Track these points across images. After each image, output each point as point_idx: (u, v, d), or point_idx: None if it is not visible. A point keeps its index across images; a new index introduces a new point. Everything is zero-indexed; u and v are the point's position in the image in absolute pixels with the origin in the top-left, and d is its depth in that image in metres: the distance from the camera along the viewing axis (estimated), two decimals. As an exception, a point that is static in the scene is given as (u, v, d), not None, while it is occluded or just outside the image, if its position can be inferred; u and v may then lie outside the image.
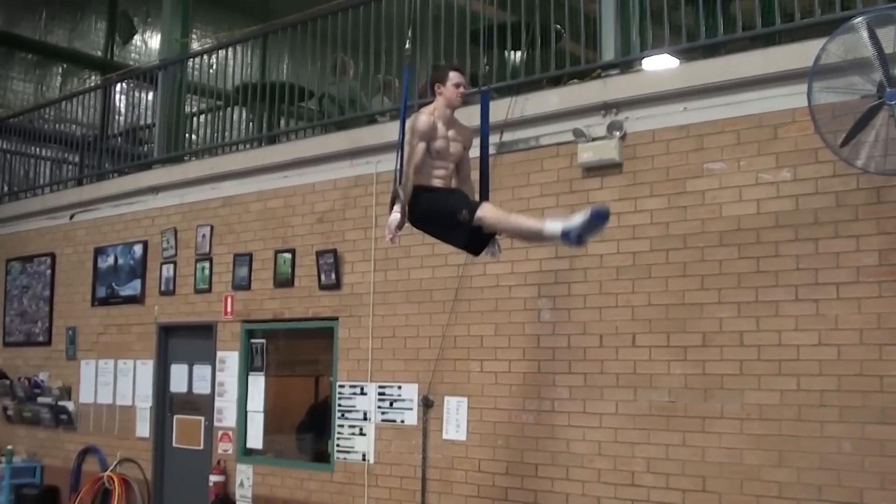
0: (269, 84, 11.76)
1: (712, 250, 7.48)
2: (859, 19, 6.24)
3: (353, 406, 9.73)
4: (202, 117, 13.50)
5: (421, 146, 6.96)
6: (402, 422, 9.34)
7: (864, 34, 6.16)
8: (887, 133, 6.12)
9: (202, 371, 11.44)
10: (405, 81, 7.40)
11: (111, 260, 12.68)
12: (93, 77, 18.41)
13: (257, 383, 10.82)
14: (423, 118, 6.98)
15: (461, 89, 7.16)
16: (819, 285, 6.94)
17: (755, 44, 7.93)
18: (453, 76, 7.12)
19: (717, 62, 7.78)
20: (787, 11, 7.63)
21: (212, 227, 11.40)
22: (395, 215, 6.91)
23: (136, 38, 18.87)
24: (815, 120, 6.40)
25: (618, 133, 8.03)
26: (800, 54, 6.93)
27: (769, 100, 7.30)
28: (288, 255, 10.48)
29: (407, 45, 7.29)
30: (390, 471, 9.35)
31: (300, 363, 10.85)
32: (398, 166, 7.05)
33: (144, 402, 12.04)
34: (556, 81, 8.97)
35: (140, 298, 12.23)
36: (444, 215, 6.95)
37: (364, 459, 9.55)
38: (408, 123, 7.01)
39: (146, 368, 12.07)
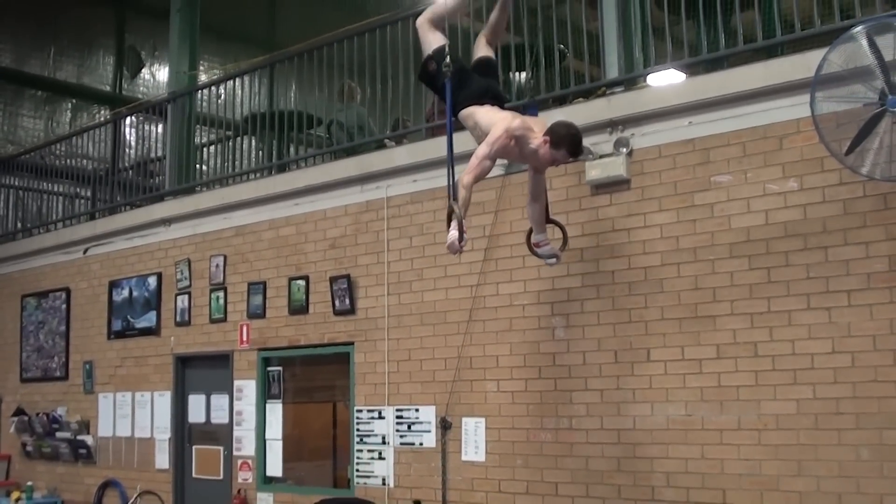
0: (277, 113, 11.83)
1: (723, 262, 7.51)
2: (859, 28, 6.28)
3: (372, 430, 9.76)
4: (212, 148, 13.62)
5: (489, 164, 6.93)
6: (421, 444, 9.36)
7: (864, 43, 6.20)
8: (891, 140, 6.15)
9: (220, 401, 11.47)
10: (448, 97, 7.28)
11: (126, 293, 12.75)
12: (102, 112, 18.54)
13: (275, 411, 10.84)
14: (503, 139, 6.85)
15: (556, 164, 7.13)
16: (830, 293, 6.96)
17: (757, 56, 7.98)
18: (564, 155, 6.96)
19: (720, 76, 7.83)
20: (787, 22, 7.68)
21: (225, 257, 11.46)
22: (454, 233, 6.74)
23: (144, 72, 19.01)
24: (819, 129, 6.43)
25: (624, 149, 8.08)
26: (802, 65, 6.99)
27: (773, 111, 7.35)
28: (302, 282, 10.53)
29: (447, 60, 7.23)
30: (410, 494, 9.36)
31: (317, 389, 10.87)
32: (451, 181, 6.99)
33: (163, 434, 12.07)
34: (562, 100, 9.03)
35: (156, 330, 12.28)
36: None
37: (384, 483, 9.57)
38: (501, 125, 6.90)
39: (164, 400, 12.11)
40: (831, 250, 7.00)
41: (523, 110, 7.61)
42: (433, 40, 7.43)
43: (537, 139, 6.92)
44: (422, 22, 7.53)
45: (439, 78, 7.27)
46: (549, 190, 8.46)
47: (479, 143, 7.02)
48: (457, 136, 7.31)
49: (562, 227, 7.77)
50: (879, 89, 6.17)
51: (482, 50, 7.66)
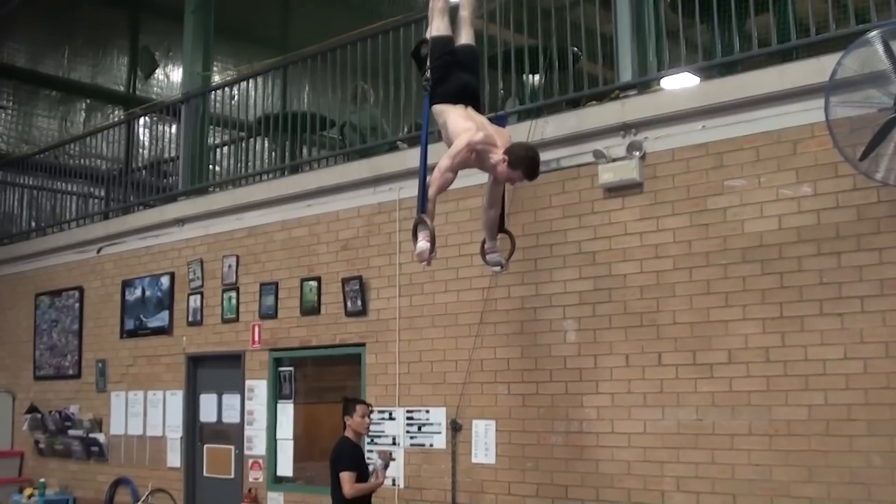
0: (290, 114, 11.85)
1: (735, 267, 7.49)
2: (874, 33, 6.27)
3: (382, 431, 9.76)
4: (225, 149, 13.64)
5: (451, 176, 7.01)
6: (431, 446, 9.36)
7: (880, 48, 6.20)
8: (906, 145, 6.14)
9: (231, 400, 11.50)
10: (425, 111, 7.41)
11: (139, 292, 12.78)
12: (116, 112, 18.60)
13: (286, 411, 10.87)
14: (464, 153, 6.92)
15: (512, 182, 7.27)
16: (843, 299, 6.94)
17: (771, 60, 7.95)
18: (520, 176, 7.05)
19: (734, 80, 7.80)
20: (802, 26, 7.66)
21: (237, 258, 11.48)
22: (424, 244, 6.93)
23: (158, 73, 19.04)
24: (833, 134, 6.42)
25: (637, 153, 8.06)
26: (816, 69, 6.97)
27: (787, 115, 7.33)
28: (314, 283, 10.54)
29: (427, 74, 7.31)
30: (420, 495, 9.37)
31: (328, 390, 10.85)
32: (420, 193, 7.10)
33: (175, 433, 12.10)
34: (575, 103, 9.03)
35: (168, 329, 12.32)
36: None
37: (394, 484, 9.56)
38: (464, 137, 6.95)
39: (176, 399, 12.14)
40: (844, 256, 6.97)
41: (493, 120, 7.62)
42: (438, 25, 7.49)
43: (497, 155, 6.96)
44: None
45: (423, 68, 7.41)
46: (562, 192, 8.48)
47: (447, 144, 7.14)
48: (432, 147, 7.41)
49: (512, 239, 7.76)
50: (894, 94, 6.16)
51: (465, 34, 7.65)
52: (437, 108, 7.26)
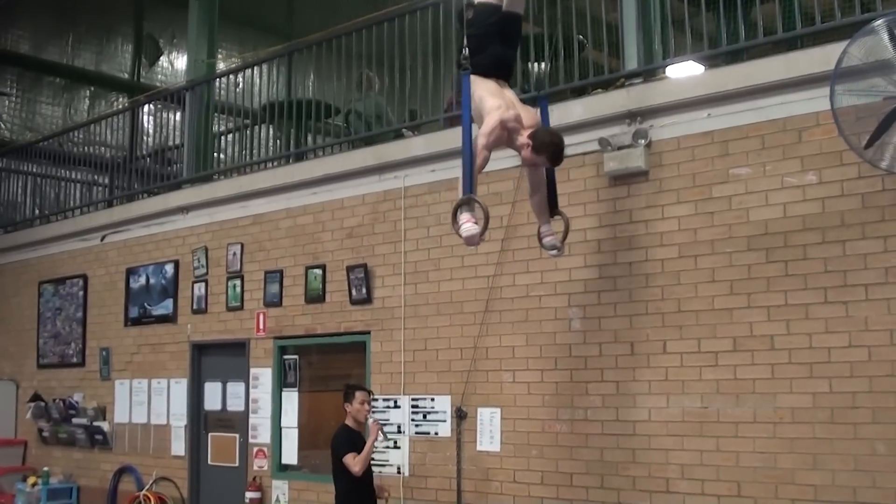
0: (295, 102, 11.85)
1: (740, 255, 7.50)
2: (879, 22, 6.27)
3: (387, 419, 9.76)
4: (230, 136, 13.62)
5: (487, 154, 6.95)
6: (436, 434, 9.38)
7: (885, 36, 6.19)
8: (911, 134, 6.14)
9: (236, 388, 11.52)
10: (464, 89, 7.28)
11: (143, 280, 12.79)
12: (120, 99, 18.59)
13: (291, 399, 10.88)
14: (498, 130, 6.88)
15: (536, 167, 7.22)
16: (848, 287, 6.95)
17: (777, 49, 7.95)
18: (544, 161, 7.03)
19: (740, 68, 7.81)
20: (808, 14, 7.65)
21: (242, 245, 11.49)
22: (473, 227, 6.77)
23: (163, 60, 19.05)
24: (838, 123, 6.42)
25: (643, 141, 8.06)
26: (821, 58, 6.97)
27: (792, 104, 7.34)
28: (318, 271, 10.55)
29: (465, 53, 7.20)
30: (425, 483, 9.39)
31: (333, 378, 10.85)
32: (467, 173, 6.94)
33: (179, 421, 12.12)
34: (581, 91, 9.02)
35: (172, 317, 12.33)
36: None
37: (399, 472, 9.60)
38: (496, 115, 6.88)
39: (180, 387, 12.16)
40: (849, 244, 6.98)
41: (534, 101, 7.58)
42: None
43: (522, 138, 6.95)
44: None
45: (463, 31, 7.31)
46: (567, 181, 8.47)
47: (475, 117, 7.09)
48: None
49: (565, 221, 7.73)
50: (900, 83, 6.15)
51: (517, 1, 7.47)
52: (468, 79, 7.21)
